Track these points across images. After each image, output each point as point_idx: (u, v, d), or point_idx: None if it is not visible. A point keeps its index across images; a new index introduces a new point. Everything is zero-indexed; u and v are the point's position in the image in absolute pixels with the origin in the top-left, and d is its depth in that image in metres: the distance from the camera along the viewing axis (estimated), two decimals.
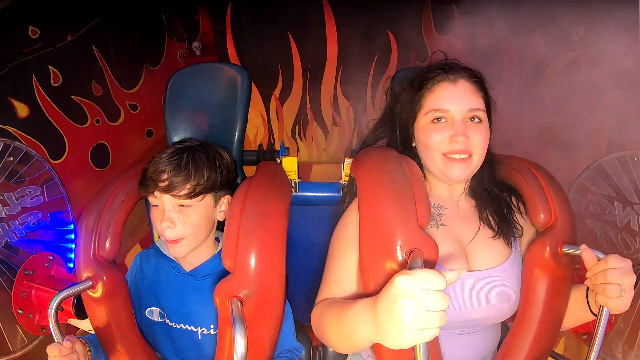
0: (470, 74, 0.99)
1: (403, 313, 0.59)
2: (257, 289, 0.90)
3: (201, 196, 1.03)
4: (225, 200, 1.09)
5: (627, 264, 0.85)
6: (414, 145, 1.04)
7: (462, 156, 0.94)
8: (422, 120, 0.99)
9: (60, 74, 1.57)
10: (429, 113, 0.97)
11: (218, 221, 1.11)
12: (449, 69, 0.98)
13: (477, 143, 0.95)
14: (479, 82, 1.00)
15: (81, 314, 1.13)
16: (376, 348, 0.89)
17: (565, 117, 1.62)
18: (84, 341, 1.02)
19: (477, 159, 0.96)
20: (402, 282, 0.60)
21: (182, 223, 1.01)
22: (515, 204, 1.07)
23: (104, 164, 1.80)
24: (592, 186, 1.43)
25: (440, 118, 0.96)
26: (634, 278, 0.84)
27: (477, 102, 0.96)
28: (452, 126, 0.94)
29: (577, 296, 0.99)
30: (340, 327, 0.78)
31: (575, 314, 1.00)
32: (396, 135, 1.06)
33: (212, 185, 1.04)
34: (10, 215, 1.34)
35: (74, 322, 1.18)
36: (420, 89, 0.99)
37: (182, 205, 1.01)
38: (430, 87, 0.98)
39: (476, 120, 0.96)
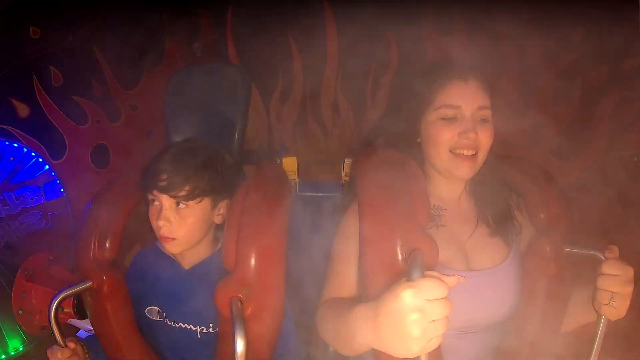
0: (479, 73, 1.00)
1: (411, 328, 0.58)
2: (257, 289, 0.90)
3: (199, 198, 1.02)
4: (224, 203, 1.08)
5: (626, 272, 0.84)
6: (418, 141, 1.04)
7: (470, 152, 0.95)
8: (431, 116, 0.99)
9: (60, 74, 1.58)
10: (440, 109, 0.97)
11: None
12: (460, 67, 1.00)
13: (483, 142, 0.96)
14: (487, 81, 1.01)
15: (81, 314, 1.14)
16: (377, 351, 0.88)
17: (564, 117, 1.62)
18: (82, 344, 1.02)
19: (481, 157, 0.98)
20: (408, 298, 0.59)
21: (178, 223, 1.01)
22: (515, 203, 1.07)
23: (104, 164, 1.80)
24: (592, 186, 1.43)
25: (451, 118, 0.97)
26: (629, 288, 0.83)
27: (486, 100, 0.98)
28: (462, 122, 0.96)
29: (578, 298, 0.99)
30: (341, 332, 0.78)
31: (578, 315, 1.00)
32: (399, 131, 1.06)
33: (212, 188, 1.04)
34: (10, 215, 1.34)
35: (74, 322, 1.18)
36: (431, 84, 1.00)
37: (180, 206, 1.02)
38: (441, 83, 0.99)
39: (483, 121, 0.97)
